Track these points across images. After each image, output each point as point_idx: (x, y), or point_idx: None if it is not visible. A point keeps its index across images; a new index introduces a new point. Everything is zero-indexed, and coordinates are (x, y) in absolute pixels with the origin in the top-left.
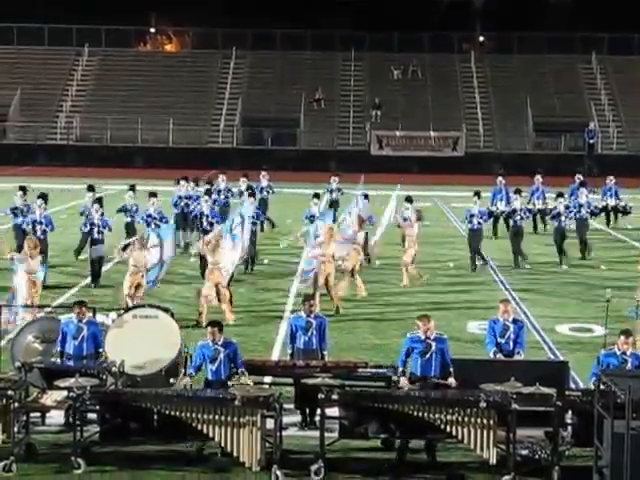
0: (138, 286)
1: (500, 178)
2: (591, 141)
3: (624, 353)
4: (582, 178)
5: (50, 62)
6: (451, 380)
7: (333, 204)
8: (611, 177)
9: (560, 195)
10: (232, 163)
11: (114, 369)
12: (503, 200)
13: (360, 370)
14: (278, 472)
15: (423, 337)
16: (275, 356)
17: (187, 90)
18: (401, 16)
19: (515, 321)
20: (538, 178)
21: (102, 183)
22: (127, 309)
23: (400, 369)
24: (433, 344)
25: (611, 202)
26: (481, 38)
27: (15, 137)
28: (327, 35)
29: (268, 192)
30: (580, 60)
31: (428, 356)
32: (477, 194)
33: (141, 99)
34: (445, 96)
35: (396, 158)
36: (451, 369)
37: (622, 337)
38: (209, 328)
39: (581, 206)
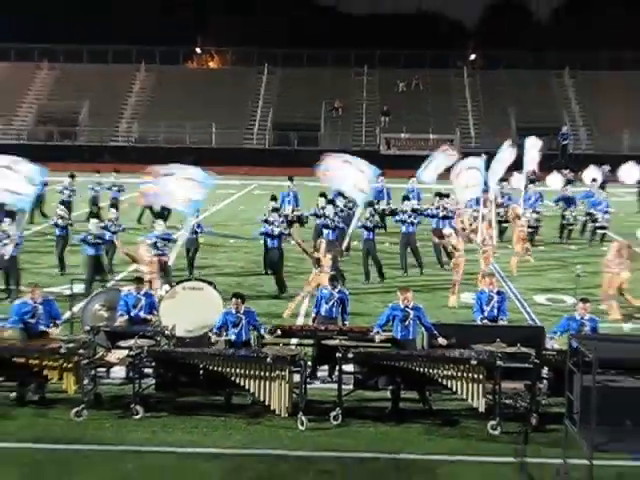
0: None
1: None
2: (564, 142)
3: (582, 317)
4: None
5: (113, 77)
6: (441, 340)
7: None
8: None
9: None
10: (264, 161)
11: (167, 332)
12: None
13: (371, 334)
14: (303, 418)
15: (402, 306)
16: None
17: (227, 100)
18: (405, 37)
19: (499, 292)
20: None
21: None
22: (178, 282)
23: (375, 330)
24: (411, 312)
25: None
26: (472, 56)
27: (85, 139)
28: (343, 54)
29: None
30: (555, 74)
31: (407, 322)
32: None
33: (189, 107)
34: (442, 104)
35: (401, 156)
36: (435, 332)
37: (580, 304)
38: (234, 299)
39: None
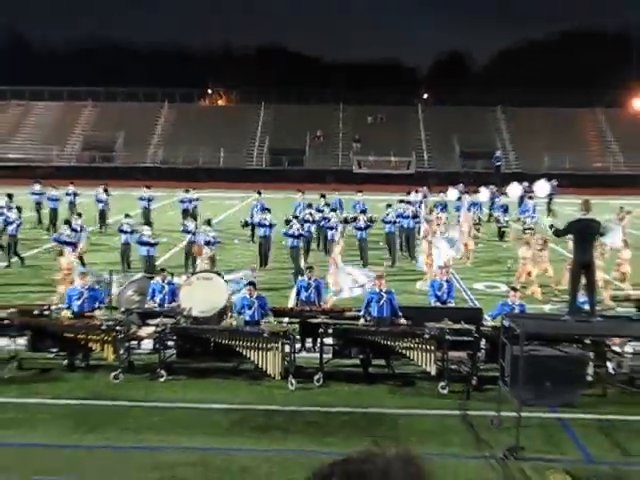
0: None
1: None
2: (497, 163)
3: (513, 303)
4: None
5: (143, 113)
6: (402, 320)
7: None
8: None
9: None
10: (261, 178)
11: (185, 312)
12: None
13: (346, 313)
14: (293, 380)
15: (378, 290)
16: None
17: (232, 130)
18: (372, 81)
19: (448, 281)
20: (460, 187)
21: (176, 192)
22: (192, 273)
23: (361, 313)
24: (384, 295)
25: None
26: (425, 95)
27: (120, 162)
28: (324, 94)
29: None
30: (490, 110)
31: (381, 303)
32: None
33: (202, 136)
34: (401, 134)
35: (370, 174)
36: (400, 313)
37: (511, 292)
38: (247, 286)
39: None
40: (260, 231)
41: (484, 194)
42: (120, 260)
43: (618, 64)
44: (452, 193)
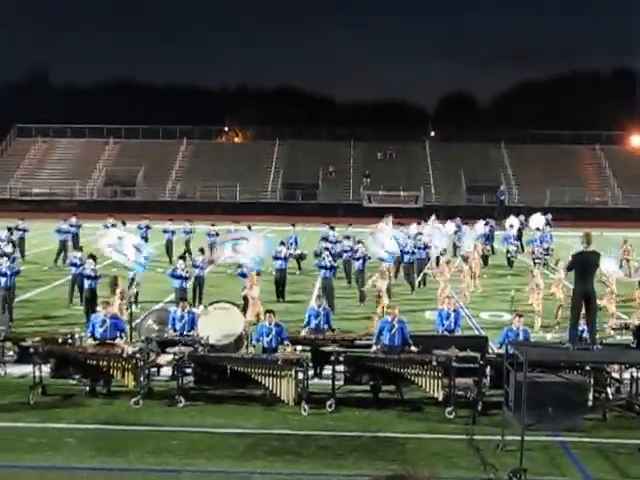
0: None
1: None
2: (501, 197)
3: (518, 328)
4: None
5: (162, 149)
6: (413, 348)
7: None
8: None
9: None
10: (276, 211)
11: (203, 341)
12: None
13: (357, 341)
14: (305, 406)
15: (390, 320)
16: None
17: (248, 165)
18: (382, 119)
19: (455, 310)
20: (457, 220)
21: (193, 224)
22: (210, 303)
23: (374, 341)
24: (396, 324)
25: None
26: (432, 133)
27: (141, 196)
28: (336, 130)
29: None
30: (494, 146)
31: (393, 332)
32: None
33: (219, 171)
34: (410, 169)
35: (379, 208)
36: (410, 341)
37: (516, 318)
38: (267, 314)
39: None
40: (277, 264)
41: (480, 226)
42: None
43: (616, 103)
44: (450, 226)
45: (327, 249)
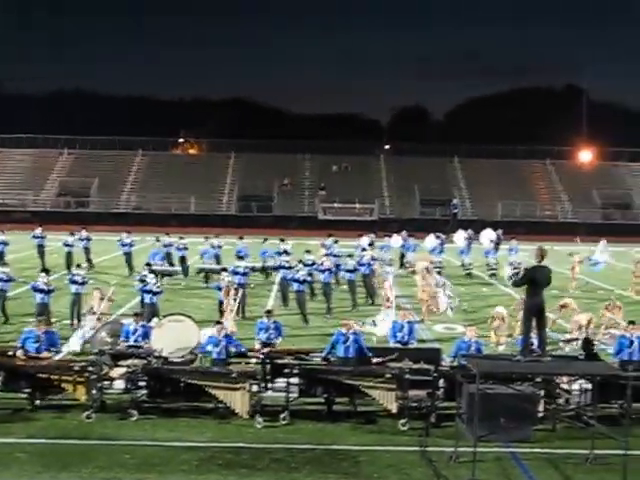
0: None
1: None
2: (454, 211)
3: (470, 339)
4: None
5: (117, 160)
6: (374, 360)
7: None
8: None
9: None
10: (231, 223)
11: (156, 353)
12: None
13: (311, 354)
14: (259, 418)
15: (345, 332)
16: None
17: (203, 177)
18: (337, 132)
19: (409, 322)
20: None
21: (150, 237)
22: (164, 316)
23: (325, 353)
24: (351, 337)
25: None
26: (387, 146)
27: (94, 207)
28: (292, 144)
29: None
30: (448, 160)
31: (347, 344)
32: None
33: (174, 183)
34: (364, 182)
35: (334, 221)
36: (369, 353)
37: (468, 328)
38: (217, 326)
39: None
40: (236, 279)
41: (430, 241)
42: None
43: (567, 119)
44: (396, 240)
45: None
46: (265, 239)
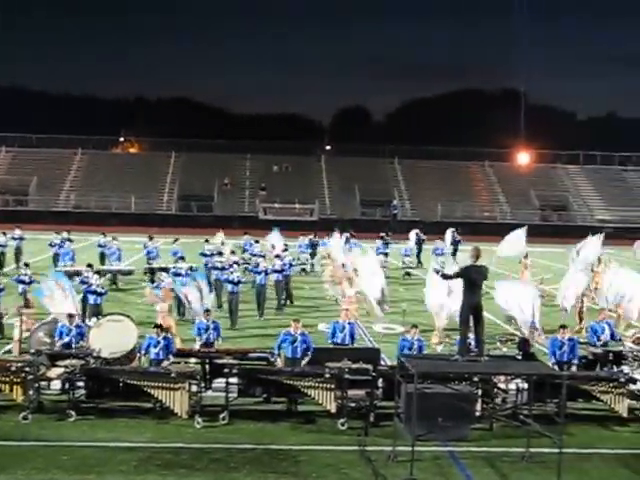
0: None
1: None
2: (394, 212)
3: (412, 338)
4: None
5: (56, 159)
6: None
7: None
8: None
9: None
10: (171, 223)
11: (94, 353)
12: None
13: (250, 354)
14: (199, 419)
15: (293, 332)
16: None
17: (143, 176)
18: (278, 132)
19: (350, 323)
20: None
21: (90, 235)
22: (104, 315)
23: (276, 353)
24: (299, 337)
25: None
26: (328, 147)
27: (33, 206)
28: (233, 144)
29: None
30: (388, 162)
31: (295, 344)
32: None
33: (114, 182)
34: (305, 182)
35: (275, 220)
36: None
37: (412, 329)
38: (155, 329)
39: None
40: (177, 280)
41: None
42: None
43: (505, 121)
44: (336, 240)
45: (237, 262)
46: (206, 240)
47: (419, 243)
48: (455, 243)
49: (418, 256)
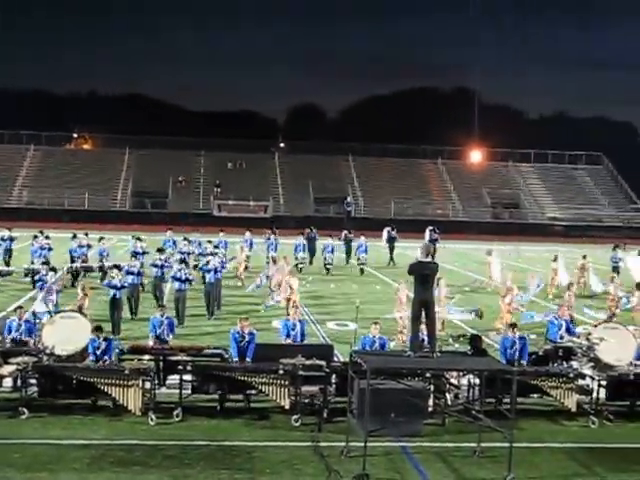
0: None
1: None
2: (348, 209)
3: (374, 336)
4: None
5: (8, 155)
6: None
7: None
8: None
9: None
10: (125, 220)
11: (47, 350)
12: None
13: (204, 351)
14: (152, 415)
15: (240, 332)
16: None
17: (97, 173)
18: (228, 129)
19: (300, 320)
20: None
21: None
22: (57, 312)
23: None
24: (247, 336)
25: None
26: (282, 144)
27: None
28: (188, 141)
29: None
30: (342, 159)
31: (243, 343)
32: None
33: (67, 178)
34: (259, 179)
35: (229, 217)
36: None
37: (373, 326)
38: (95, 331)
39: None
40: (128, 279)
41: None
42: None
43: (458, 120)
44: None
45: (184, 261)
46: (138, 238)
47: (390, 241)
48: (390, 240)
49: (391, 253)
